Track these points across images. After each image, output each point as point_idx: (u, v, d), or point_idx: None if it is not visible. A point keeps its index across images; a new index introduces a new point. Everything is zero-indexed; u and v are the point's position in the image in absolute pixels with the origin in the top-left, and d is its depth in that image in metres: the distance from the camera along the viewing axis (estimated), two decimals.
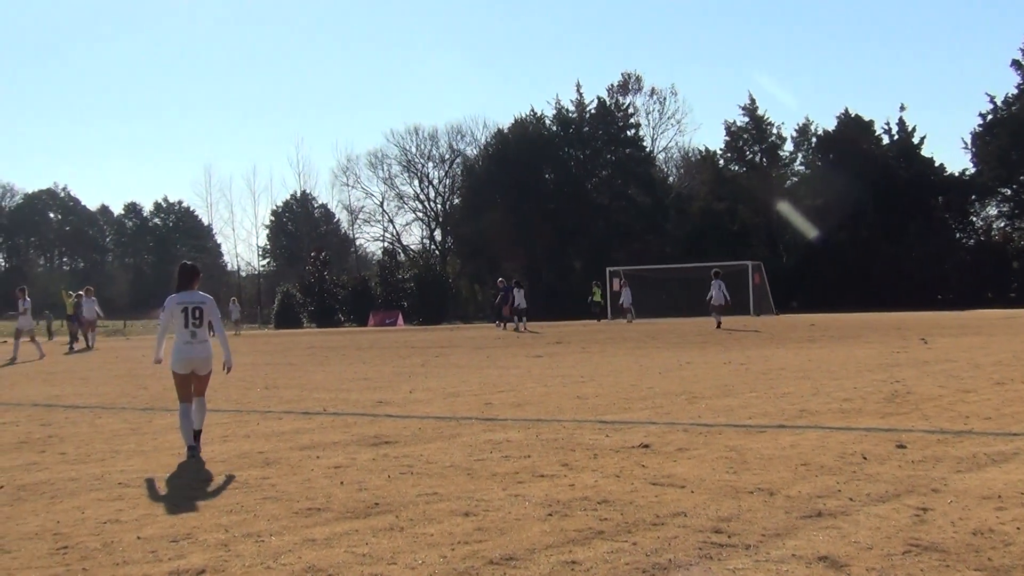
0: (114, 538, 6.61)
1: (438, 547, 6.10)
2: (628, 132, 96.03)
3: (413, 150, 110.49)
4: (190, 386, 10.59)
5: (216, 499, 7.81)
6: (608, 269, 65.00)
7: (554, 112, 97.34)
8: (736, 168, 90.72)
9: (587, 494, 7.55)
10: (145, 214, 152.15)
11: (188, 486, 8.41)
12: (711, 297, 37.76)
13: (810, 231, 77.89)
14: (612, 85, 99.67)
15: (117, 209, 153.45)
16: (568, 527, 6.52)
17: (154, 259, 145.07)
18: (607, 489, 7.72)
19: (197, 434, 10.39)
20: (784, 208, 79.84)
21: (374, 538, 6.38)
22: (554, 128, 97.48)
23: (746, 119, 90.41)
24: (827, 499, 7.16)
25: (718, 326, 35.51)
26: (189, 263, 10.96)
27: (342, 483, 8.31)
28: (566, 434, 10.87)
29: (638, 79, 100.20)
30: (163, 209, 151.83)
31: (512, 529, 6.52)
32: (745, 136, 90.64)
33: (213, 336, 10.81)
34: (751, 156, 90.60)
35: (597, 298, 57.60)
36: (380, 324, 75.31)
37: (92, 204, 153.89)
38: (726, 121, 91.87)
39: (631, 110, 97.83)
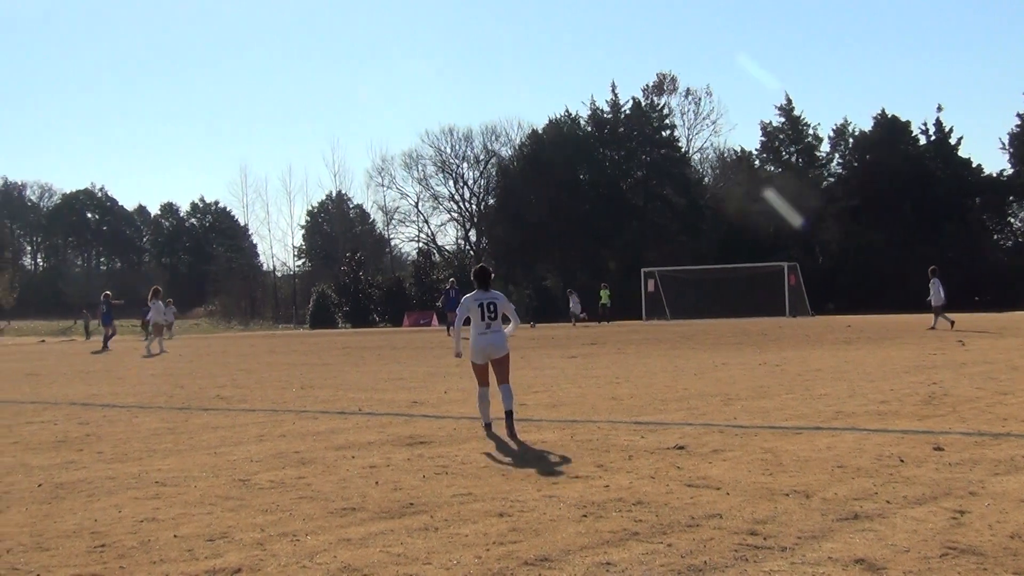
0: (151, 536, 6.64)
1: (473, 547, 6.10)
2: (663, 133, 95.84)
3: (448, 151, 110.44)
4: (486, 372, 11.78)
5: (252, 498, 7.83)
6: (643, 270, 64.93)
7: (589, 113, 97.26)
8: (772, 169, 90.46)
9: (622, 495, 7.54)
10: (182, 214, 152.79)
11: (224, 485, 8.43)
12: (931, 298, 35.00)
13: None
14: (647, 85, 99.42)
15: (154, 209, 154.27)
16: (603, 528, 6.51)
17: (190, 259, 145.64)
18: (642, 490, 7.71)
19: (509, 414, 11.29)
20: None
21: (409, 538, 6.39)
22: (589, 128, 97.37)
23: (782, 119, 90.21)
24: (863, 501, 7.12)
25: (951, 326, 33.03)
26: (482, 266, 12.31)
27: (377, 483, 8.32)
28: (601, 435, 10.86)
29: (673, 79, 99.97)
30: (199, 209, 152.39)
31: (547, 530, 6.51)
32: (781, 137, 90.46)
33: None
34: (787, 157, 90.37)
35: (604, 300, 57.38)
36: (415, 324, 75.41)
37: (129, 204, 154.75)
38: (761, 121, 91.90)
39: (666, 111, 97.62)
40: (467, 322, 11.86)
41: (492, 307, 11.66)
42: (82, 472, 9.43)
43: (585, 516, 6.88)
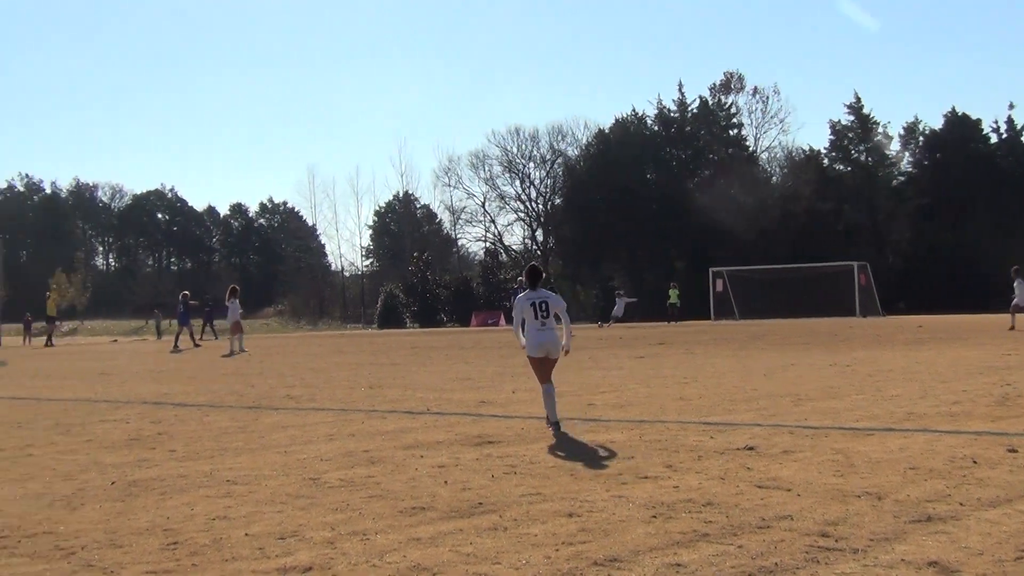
0: (223, 535, 6.70)
1: (542, 547, 6.09)
2: (730, 132, 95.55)
3: (514, 151, 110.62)
4: (548, 369, 11.95)
5: (322, 497, 7.87)
6: (711, 270, 64.59)
7: (656, 112, 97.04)
8: (841, 167, 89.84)
9: (691, 496, 7.51)
10: (251, 215, 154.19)
11: (295, 484, 8.48)
12: (1016, 299, 34.21)
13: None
14: (714, 84, 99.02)
15: (223, 210, 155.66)
16: (672, 529, 6.49)
17: (259, 259, 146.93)
18: (712, 491, 7.67)
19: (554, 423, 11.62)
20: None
21: (478, 537, 6.40)
22: (656, 128, 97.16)
23: (851, 118, 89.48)
24: (936, 503, 7.05)
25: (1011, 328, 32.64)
26: (533, 265, 12.56)
27: (446, 482, 8.34)
28: (669, 435, 10.82)
29: (740, 78, 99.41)
30: (268, 210, 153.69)
31: (616, 530, 6.49)
32: (850, 135, 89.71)
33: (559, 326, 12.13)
34: (856, 155, 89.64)
35: (673, 299, 57.02)
36: (482, 324, 75.43)
37: (199, 205, 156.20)
38: (830, 120, 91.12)
39: (733, 109, 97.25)
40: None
41: (544, 305, 11.91)
42: (154, 470, 9.52)
43: (654, 517, 6.86)
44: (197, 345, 40.36)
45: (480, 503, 7.45)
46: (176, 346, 39.96)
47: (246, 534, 6.68)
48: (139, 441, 11.70)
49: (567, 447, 10.21)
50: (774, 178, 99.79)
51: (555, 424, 11.53)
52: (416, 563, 5.81)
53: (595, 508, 7.18)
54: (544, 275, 12.34)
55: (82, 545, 6.52)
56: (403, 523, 6.87)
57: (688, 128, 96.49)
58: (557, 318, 12.11)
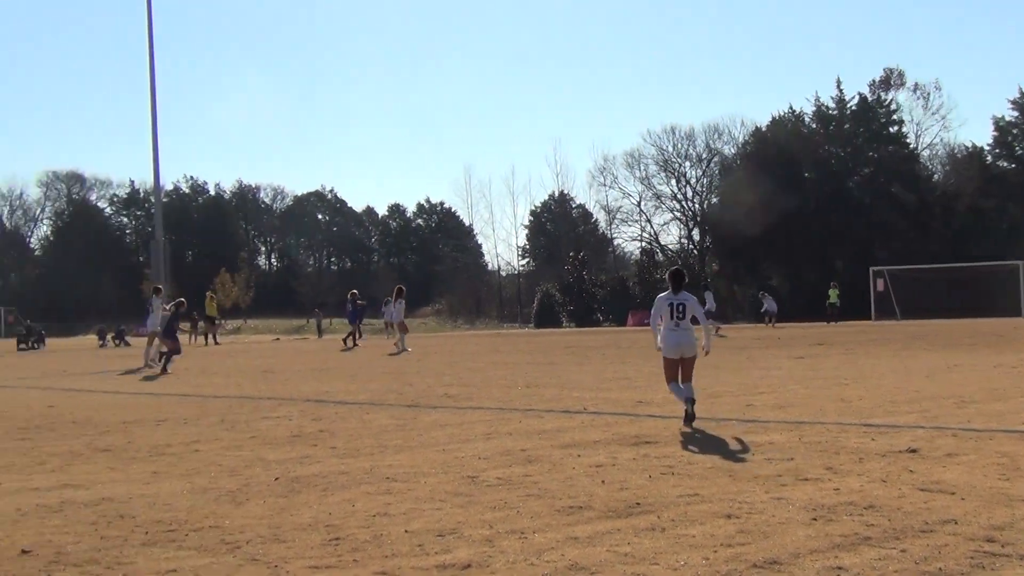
0: (383, 531, 6.79)
1: (700, 549, 6.07)
2: (890, 129, 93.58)
3: (670, 149, 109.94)
4: (677, 369, 12.55)
5: (480, 495, 7.93)
6: (871, 269, 63.48)
7: (813, 109, 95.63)
8: (1005, 164, 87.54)
9: (853, 499, 7.41)
10: (408, 215, 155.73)
11: (453, 482, 8.56)
12: None
13: None
14: (873, 81, 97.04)
15: (381, 210, 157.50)
16: (833, 532, 6.41)
17: (417, 259, 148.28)
18: (873, 494, 7.56)
19: (690, 400, 12.20)
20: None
21: (636, 538, 6.39)
22: (813, 125, 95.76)
23: (1015, 113, 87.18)
24: None
25: None
26: (676, 269, 13.03)
27: (603, 482, 8.34)
28: (830, 437, 10.68)
29: (900, 74, 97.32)
30: (425, 210, 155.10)
31: (775, 533, 6.44)
32: (1014, 131, 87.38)
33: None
34: (1021, 152, 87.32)
35: (833, 299, 56.01)
36: (639, 324, 75.14)
37: (358, 206, 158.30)
38: (993, 116, 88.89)
39: (893, 106, 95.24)
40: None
41: (681, 308, 12.47)
42: (316, 467, 9.69)
43: (815, 519, 6.78)
44: (355, 344, 40.88)
45: (637, 503, 7.45)
46: (351, 343, 40.61)
47: (406, 531, 6.77)
48: (301, 438, 11.91)
49: (725, 448, 10.14)
50: (935, 176, 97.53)
51: (689, 400, 12.22)
52: (573, 562, 5.83)
53: (754, 510, 7.12)
54: (687, 279, 12.76)
55: (247, 539, 6.67)
56: (560, 522, 6.89)
57: (847, 126, 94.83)
58: (695, 320, 12.68)
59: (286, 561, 6.09)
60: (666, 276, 12.96)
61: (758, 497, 7.57)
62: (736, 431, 11.37)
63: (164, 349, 26.36)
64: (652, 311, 12.90)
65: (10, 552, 6.49)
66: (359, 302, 43.06)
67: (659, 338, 12.80)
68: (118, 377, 25.46)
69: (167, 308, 28.06)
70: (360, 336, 43.59)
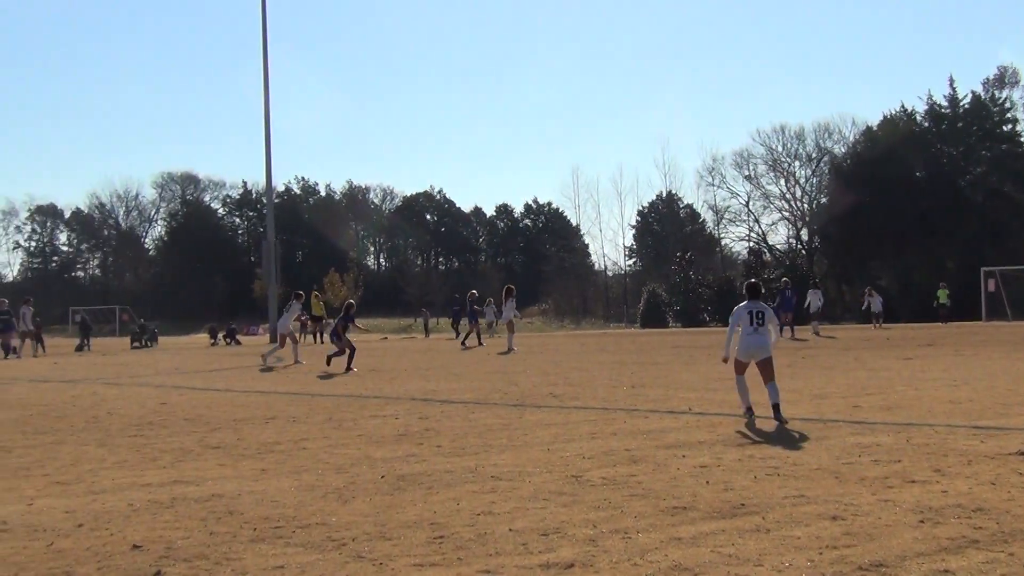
0: (487, 529, 6.83)
1: (805, 551, 6.03)
2: (1004, 127, 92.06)
3: (779, 149, 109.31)
4: (745, 367, 13.47)
5: (584, 495, 7.94)
6: (983, 269, 62.42)
7: (925, 108, 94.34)
8: None
9: (960, 501, 7.31)
10: (516, 215, 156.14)
11: (557, 481, 8.58)
12: None
13: None
14: (987, 79, 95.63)
15: (489, 211, 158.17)
16: (940, 535, 6.34)
17: (524, 259, 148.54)
18: (982, 497, 7.45)
19: (775, 407, 12.63)
20: None
21: (740, 539, 6.37)
22: (925, 124, 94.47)
23: None
24: None
25: None
26: (753, 281, 14.14)
27: (708, 482, 8.32)
28: (938, 439, 10.54)
29: (1015, 72, 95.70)
30: (533, 210, 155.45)
31: (882, 535, 6.38)
32: None
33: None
34: None
35: (943, 300, 55.08)
36: None
37: (466, 206, 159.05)
38: None
39: (1007, 104, 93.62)
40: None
41: (760, 315, 13.32)
42: (422, 465, 9.76)
43: (922, 522, 6.71)
44: (479, 343, 41.08)
45: (742, 504, 7.42)
46: (473, 342, 40.88)
47: (510, 529, 6.80)
48: (407, 436, 12.00)
49: (832, 449, 10.04)
50: None
51: (748, 410, 13.02)
52: (677, 562, 5.83)
53: (860, 512, 7.06)
54: (763, 290, 13.36)
55: (353, 537, 6.74)
56: (664, 522, 6.88)
57: (959, 124, 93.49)
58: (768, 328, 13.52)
59: (391, 559, 6.15)
60: (744, 288, 14.04)
61: (864, 499, 7.50)
62: (843, 432, 11.26)
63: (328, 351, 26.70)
64: (731, 319, 13.73)
65: (122, 546, 6.63)
66: (475, 308, 43.39)
67: (727, 348, 13.71)
68: (236, 375, 25.81)
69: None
70: (464, 335, 43.80)
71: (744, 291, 13.86)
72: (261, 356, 30.41)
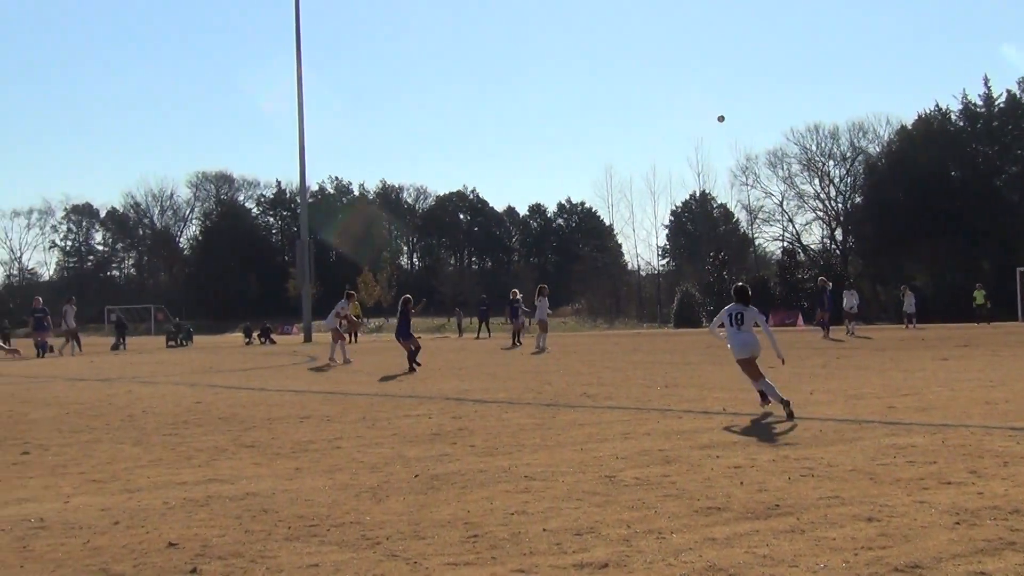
0: (521, 529, 6.83)
1: (840, 552, 6.01)
2: None
3: (813, 148, 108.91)
4: (752, 367, 14.02)
5: (618, 495, 7.93)
6: (1019, 269, 62.07)
7: (960, 107, 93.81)
8: None
9: (997, 503, 7.27)
10: (549, 215, 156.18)
11: (591, 481, 8.57)
12: None
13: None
14: (1022, 78, 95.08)
15: (522, 210, 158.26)
16: (976, 536, 6.30)
17: (557, 259, 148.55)
18: (1019, 498, 7.40)
19: (762, 393, 14.01)
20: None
21: (775, 540, 6.35)
22: (960, 123, 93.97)
23: None
24: None
25: None
26: (741, 285, 14.84)
27: (742, 483, 8.30)
28: (974, 440, 10.48)
29: None
30: (566, 210, 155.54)
31: (917, 536, 6.35)
32: None
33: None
34: None
35: (980, 300, 54.75)
36: (780, 324, 74.44)
37: (499, 206, 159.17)
38: None
39: None
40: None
41: (739, 316, 14.12)
42: (455, 464, 9.77)
43: (958, 523, 6.67)
44: (518, 343, 41.17)
45: (777, 505, 7.40)
46: (515, 341, 41.00)
47: (544, 529, 6.80)
48: (441, 436, 12.01)
49: (866, 450, 10.00)
50: None
51: (785, 402, 13.20)
52: (712, 563, 5.82)
53: (896, 513, 7.03)
54: (750, 293, 14.50)
55: (387, 535, 6.76)
56: (698, 523, 6.87)
57: (995, 124, 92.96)
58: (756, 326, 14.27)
59: (425, 558, 6.15)
60: (732, 291, 14.79)
61: (900, 500, 7.47)
62: (878, 433, 11.21)
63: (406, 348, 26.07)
64: (714, 319, 14.89)
65: (158, 544, 6.66)
66: (524, 310, 43.60)
67: (720, 335, 14.87)
68: (271, 374, 25.92)
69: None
70: (479, 335, 43.89)
71: (732, 293, 14.63)
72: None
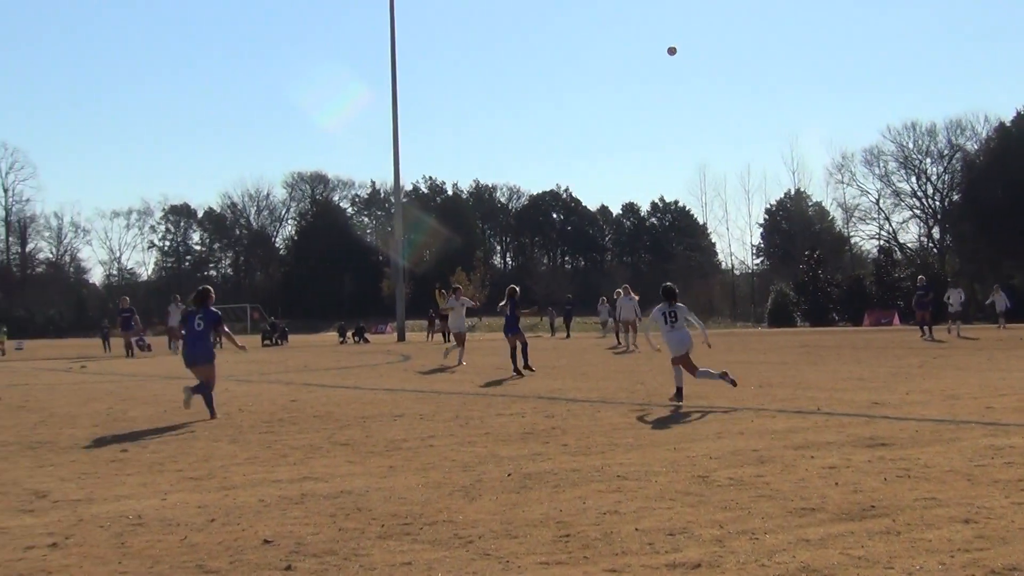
0: (613, 528, 6.83)
1: (936, 553, 5.94)
2: None
3: (910, 146, 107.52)
4: (682, 361, 15.79)
5: (711, 495, 7.90)
6: None
7: None
8: None
9: None
10: (642, 214, 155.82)
11: (684, 481, 8.54)
12: None
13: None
14: None
15: (616, 209, 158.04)
16: None
17: (651, 257, 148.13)
18: None
19: (680, 390, 15.59)
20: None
21: (869, 541, 6.29)
22: None
23: None
24: None
25: None
26: (667, 285, 16.29)
27: (836, 484, 8.22)
28: None
29: None
30: (659, 209, 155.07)
31: (1015, 539, 6.26)
32: None
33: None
34: None
35: None
36: (875, 324, 73.66)
37: (592, 205, 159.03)
38: None
39: None
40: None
41: (673, 315, 15.85)
42: (548, 463, 9.78)
43: None
44: (619, 344, 41.17)
45: (872, 506, 7.32)
46: (618, 341, 41.00)
47: (636, 529, 6.79)
48: (533, 435, 12.03)
49: (964, 451, 9.86)
50: None
51: (725, 374, 15.80)
52: (805, 564, 5.78)
53: (993, 515, 6.94)
54: (677, 292, 16.22)
55: (479, 534, 6.79)
56: (792, 523, 6.83)
57: None
58: (689, 323, 16.05)
59: (517, 557, 6.18)
60: (661, 291, 16.20)
61: (997, 502, 7.37)
62: (975, 434, 11.06)
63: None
64: (648, 319, 16.46)
65: (253, 541, 6.75)
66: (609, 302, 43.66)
67: (648, 343, 17.18)
68: (365, 373, 26.09)
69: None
70: (554, 332, 43.88)
71: (660, 294, 16.08)
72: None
